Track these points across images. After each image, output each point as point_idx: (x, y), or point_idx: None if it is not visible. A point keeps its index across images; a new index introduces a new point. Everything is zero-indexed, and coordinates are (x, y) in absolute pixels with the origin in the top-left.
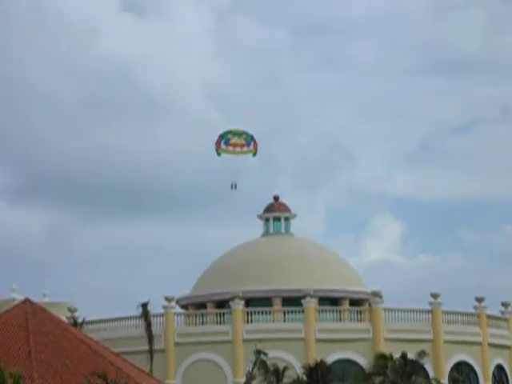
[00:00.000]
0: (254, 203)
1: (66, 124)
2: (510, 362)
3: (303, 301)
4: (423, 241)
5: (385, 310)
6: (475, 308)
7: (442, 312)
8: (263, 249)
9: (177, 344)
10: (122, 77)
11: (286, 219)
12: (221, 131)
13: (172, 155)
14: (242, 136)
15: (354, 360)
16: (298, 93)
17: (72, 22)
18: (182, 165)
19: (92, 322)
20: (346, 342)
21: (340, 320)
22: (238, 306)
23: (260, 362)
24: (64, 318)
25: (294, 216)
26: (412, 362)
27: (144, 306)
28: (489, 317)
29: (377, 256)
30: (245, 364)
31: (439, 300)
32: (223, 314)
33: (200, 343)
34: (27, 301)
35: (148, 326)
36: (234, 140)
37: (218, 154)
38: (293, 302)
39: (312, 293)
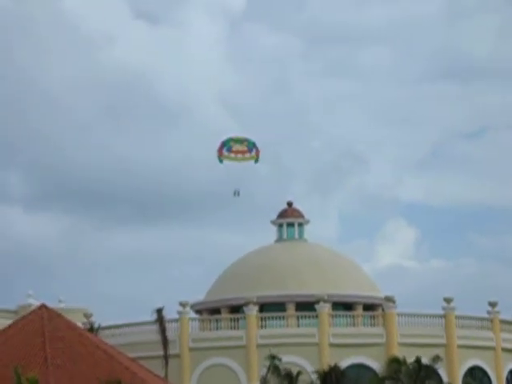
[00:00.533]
0: (267, 209)
1: (80, 132)
2: None
3: (317, 306)
4: (436, 246)
5: (398, 314)
6: (488, 313)
7: (456, 317)
8: (277, 254)
9: (191, 349)
10: (135, 84)
11: (300, 225)
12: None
13: (185, 162)
14: (244, 143)
15: (367, 365)
16: (310, 99)
17: (86, 30)
18: (196, 171)
19: (107, 328)
20: (360, 347)
21: (353, 325)
22: (252, 311)
23: (274, 367)
24: (80, 324)
25: (308, 222)
26: (426, 366)
27: (159, 311)
28: (502, 321)
29: (390, 261)
30: (259, 369)
31: (452, 305)
32: (237, 319)
33: (214, 348)
34: (43, 306)
35: (163, 331)
36: (236, 147)
37: (220, 161)
38: (306, 307)
39: (326, 298)
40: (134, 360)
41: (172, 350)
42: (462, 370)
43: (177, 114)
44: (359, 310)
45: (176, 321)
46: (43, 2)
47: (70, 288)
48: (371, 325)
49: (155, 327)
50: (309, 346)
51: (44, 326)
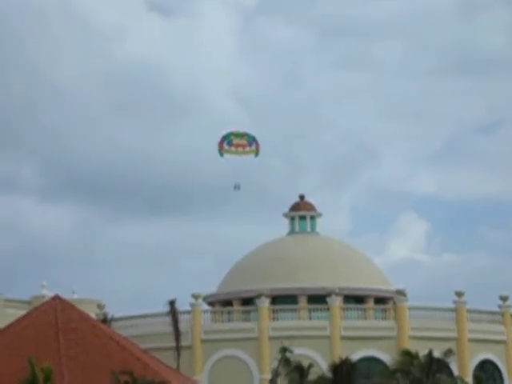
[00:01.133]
0: (279, 202)
1: (92, 125)
2: None
3: (328, 299)
4: (447, 239)
5: (409, 308)
6: (499, 306)
7: (467, 310)
8: (289, 247)
9: (203, 341)
10: (148, 77)
11: (312, 218)
12: (224, 132)
13: (198, 155)
14: (244, 137)
15: (378, 358)
16: (322, 92)
17: (98, 22)
18: (207, 164)
19: (120, 319)
20: (371, 340)
21: (365, 318)
22: (264, 303)
23: (285, 359)
24: (93, 315)
25: (320, 215)
26: (438, 360)
27: (171, 303)
28: None
29: (401, 254)
30: (270, 361)
31: (463, 298)
32: (249, 311)
33: (226, 340)
34: (57, 297)
35: (175, 322)
36: (237, 141)
37: (221, 155)
38: (318, 299)
39: (337, 291)
40: (146, 351)
41: (184, 342)
42: (473, 363)
43: (189, 107)
44: (370, 303)
45: (188, 313)
46: None
47: (84, 279)
48: (382, 318)
49: (168, 319)
50: (320, 338)
51: (57, 317)
